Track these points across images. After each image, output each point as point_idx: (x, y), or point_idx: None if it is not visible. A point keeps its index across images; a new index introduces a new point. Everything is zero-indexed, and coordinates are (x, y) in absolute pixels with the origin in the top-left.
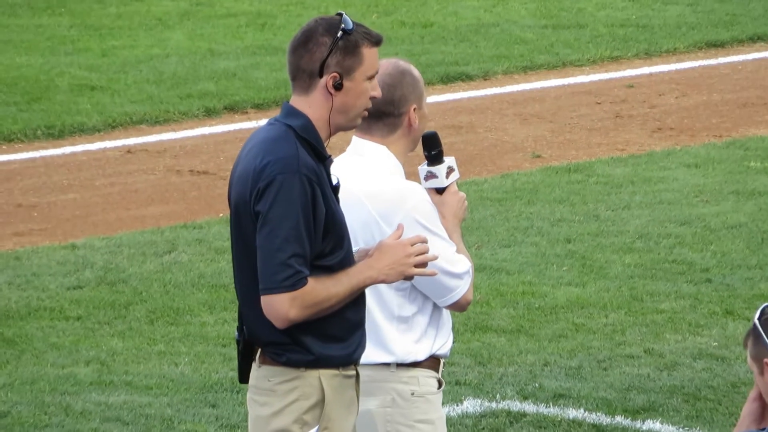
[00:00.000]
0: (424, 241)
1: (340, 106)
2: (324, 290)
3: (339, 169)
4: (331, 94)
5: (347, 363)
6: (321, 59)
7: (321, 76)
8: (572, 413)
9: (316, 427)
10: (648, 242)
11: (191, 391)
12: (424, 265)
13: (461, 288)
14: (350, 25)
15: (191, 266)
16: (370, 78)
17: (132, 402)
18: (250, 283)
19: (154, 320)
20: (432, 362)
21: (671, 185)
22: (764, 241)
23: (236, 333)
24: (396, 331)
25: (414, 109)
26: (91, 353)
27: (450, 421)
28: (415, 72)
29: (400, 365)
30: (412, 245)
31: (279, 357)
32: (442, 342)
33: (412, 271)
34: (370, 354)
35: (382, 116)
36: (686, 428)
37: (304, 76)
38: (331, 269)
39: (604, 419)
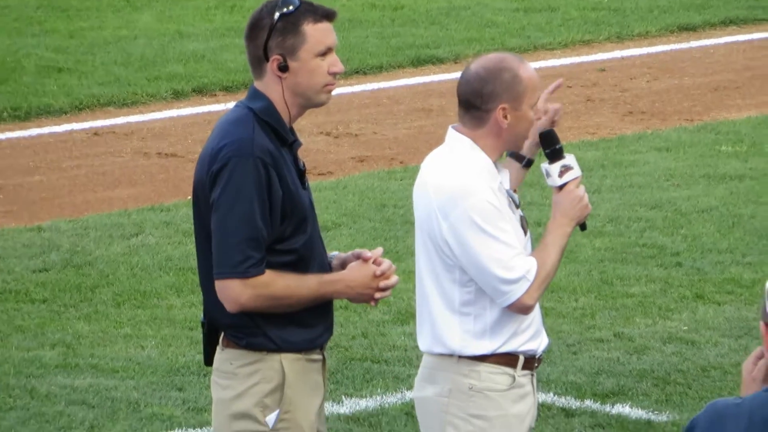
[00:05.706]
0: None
1: (292, 86)
2: (284, 287)
3: (427, 159)
4: (279, 77)
5: (310, 348)
6: (262, 44)
7: (267, 60)
8: (542, 397)
9: (277, 411)
10: (618, 226)
11: (158, 374)
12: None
13: (514, 293)
14: (291, 6)
15: (158, 249)
16: (323, 54)
17: (98, 385)
18: (207, 266)
19: (121, 303)
20: (505, 358)
21: (642, 169)
22: (735, 225)
23: (202, 316)
24: (457, 323)
25: (503, 109)
26: (57, 336)
27: (409, 405)
28: (523, 71)
29: (462, 357)
30: (379, 273)
31: (240, 340)
32: (522, 339)
33: (377, 295)
34: (428, 343)
35: (469, 108)
36: (656, 412)
37: (254, 61)
38: (293, 253)
39: (573, 403)
